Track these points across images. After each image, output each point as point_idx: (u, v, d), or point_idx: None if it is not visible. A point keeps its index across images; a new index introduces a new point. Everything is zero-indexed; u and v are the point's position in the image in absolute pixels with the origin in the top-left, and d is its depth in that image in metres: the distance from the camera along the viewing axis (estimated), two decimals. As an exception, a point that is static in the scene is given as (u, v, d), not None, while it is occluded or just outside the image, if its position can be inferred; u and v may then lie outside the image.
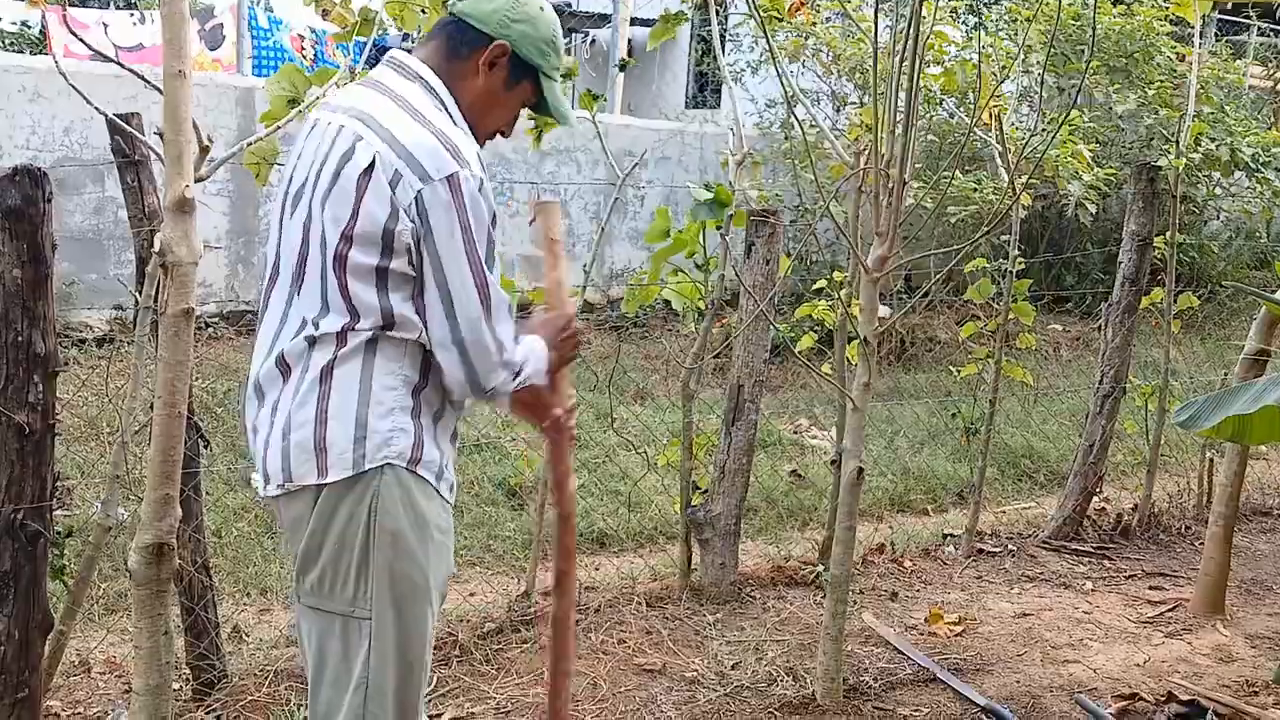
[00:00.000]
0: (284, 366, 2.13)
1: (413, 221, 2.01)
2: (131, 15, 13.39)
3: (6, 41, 14.20)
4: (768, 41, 3.43)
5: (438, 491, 2.16)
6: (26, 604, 2.78)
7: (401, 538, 2.10)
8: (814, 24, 9.18)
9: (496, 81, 2.21)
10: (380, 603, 2.10)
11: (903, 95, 3.15)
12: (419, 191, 2.00)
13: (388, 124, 2.06)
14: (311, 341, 2.09)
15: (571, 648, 2.52)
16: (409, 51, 2.26)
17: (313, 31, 13.21)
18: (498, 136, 2.33)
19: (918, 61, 3.07)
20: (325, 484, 2.08)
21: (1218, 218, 11.91)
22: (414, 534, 2.11)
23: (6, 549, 2.73)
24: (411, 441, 2.09)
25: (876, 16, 3.26)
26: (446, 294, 2.05)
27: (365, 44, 3.54)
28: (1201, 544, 4.77)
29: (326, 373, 2.07)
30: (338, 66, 3.34)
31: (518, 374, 2.15)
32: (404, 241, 2.02)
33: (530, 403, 2.33)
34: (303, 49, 13.36)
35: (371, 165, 2.02)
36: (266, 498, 2.21)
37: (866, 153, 3.65)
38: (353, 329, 2.07)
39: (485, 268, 2.06)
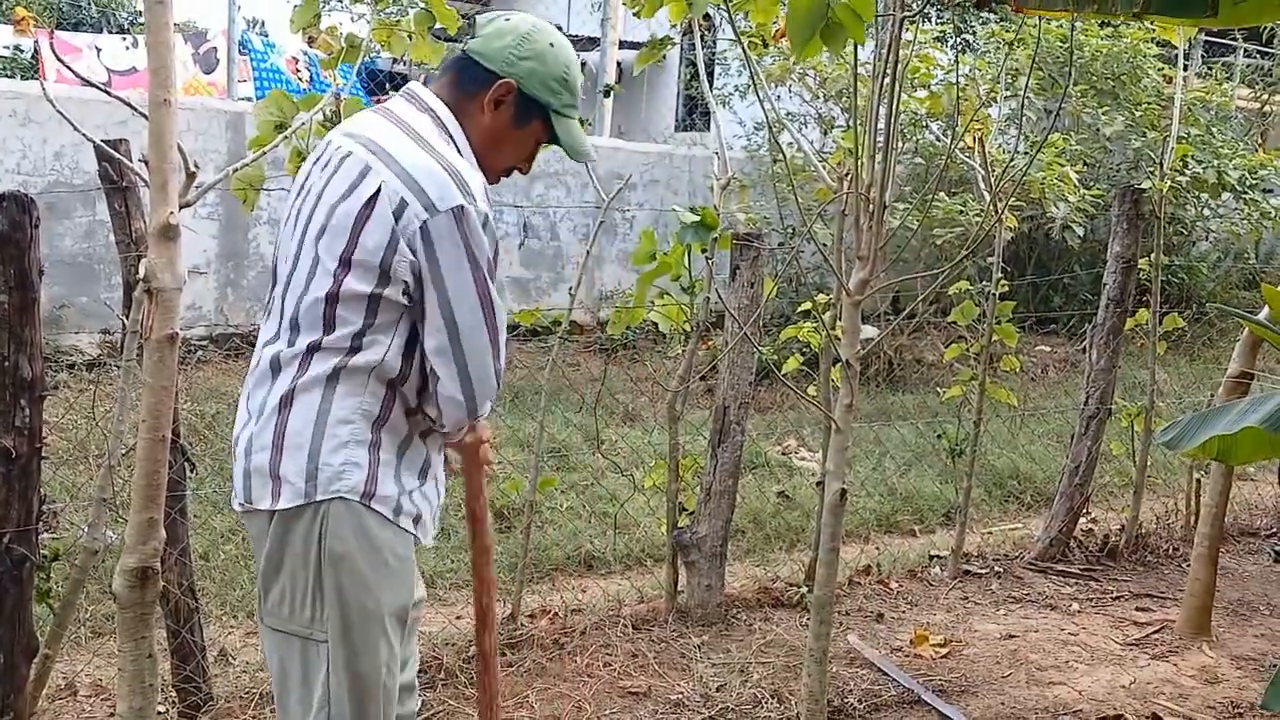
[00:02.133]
0: (254, 387, 2.18)
1: (414, 253, 2.02)
2: (124, 39, 13.45)
3: (-1, 66, 14.24)
4: (751, 69, 3.46)
5: (396, 524, 2.15)
6: (12, 628, 2.80)
7: (351, 562, 2.10)
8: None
9: (504, 119, 2.20)
10: (333, 626, 2.11)
11: (883, 120, 3.18)
12: (425, 222, 2.01)
13: (396, 153, 2.06)
14: (276, 366, 2.13)
15: (495, 685, 2.49)
16: (425, 84, 2.27)
17: (305, 54, 13.26)
18: (514, 173, 2.33)
19: (897, 86, 3.10)
20: (277, 510, 2.10)
21: (1206, 239, 11.98)
22: (365, 559, 2.11)
23: (-9, 573, 2.75)
24: (365, 475, 2.09)
25: (856, 43, 3.30)
26: (454, 327, 2.06)
27: (354, 68, 3.58)
28: (1188, 565, 4.79)
29: (286, 400, 2.10)
30: (328, 88, 3.37)
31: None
32: (400, 273, 2.03)
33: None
34: (298, 71, 13.42)
35: (376, 194, 2.03)
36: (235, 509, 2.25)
37: (849, 177, 3.68)
38: (319, 352, 2.08)
39: (492, 302, 2.08)
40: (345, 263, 2.05)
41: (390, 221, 2.01)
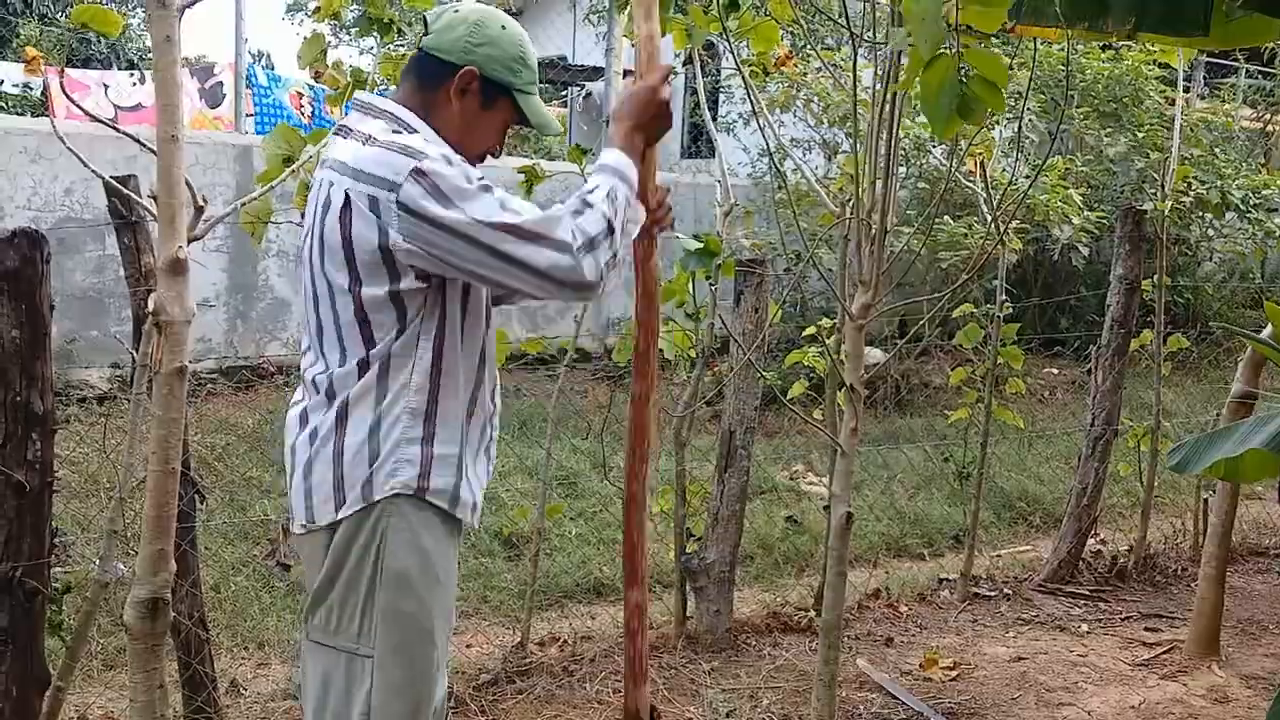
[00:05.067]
0: (310, 410, 2.23)
1: (408, 239, 2.04)
2: (131, 76, 13.56)
3: (9, 104, 14.37)
4: (751, 97, 3.50)
5: (453, 516, 2.21)
6: (24, 661, 2.81)
7: (407, 580, 2.15)
8: (803, 74, 9.30)
9: (471, 107, 2.25)
10: (383, 643, 2.16)
11: (884, 145, 3.21)
12: (398, 202, 2.04)
13: (348, 160, 2.12)
14: (330, 392, 2.19)
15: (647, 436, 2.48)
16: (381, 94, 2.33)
17: (311, 88, 13.36)
18: (488, 158, 2.36)
19: (898, 112, 3.14)
20: (340, 520, 2.16)
21: (1211, 259, 11.98)
22: (420, 576, 2.17)
23: (4, 606, 2.76)
24: (417, 471, 2.15)
25: (855, 69, 3.34)
26: (491, 251, 2.05)
27: (358, 103, 3.62)
28: (1197, 585, 4.78)
29: (342, 417, 2.16)
30: (333, 124, 3.41)
31: (610, 231, 2.12)
32: (404, 260, 2.07)
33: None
34: (301, 106, 13.50)
35: (347, 201, 2.08)
36: (294, 534, 2.30)
37: (851, 202, 3.72)
38: (366, 367, 2.14)
39: (497, 210, 2.06)
40: (353, 271, 2.10)
41: (373, 219, 2.06)
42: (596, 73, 14.02)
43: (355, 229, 2.08)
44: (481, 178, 2.11)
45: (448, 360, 2.18)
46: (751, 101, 3.55)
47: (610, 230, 2.12)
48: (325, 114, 13.12)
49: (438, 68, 2.24)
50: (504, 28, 2.26)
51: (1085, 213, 9.21)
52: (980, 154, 4.72)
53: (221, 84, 13.27)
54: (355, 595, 2.16)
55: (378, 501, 2.14)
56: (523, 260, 2.06)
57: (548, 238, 2.06)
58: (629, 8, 4.00)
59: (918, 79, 2.53)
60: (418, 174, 2.04)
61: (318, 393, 2.21)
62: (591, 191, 2.15)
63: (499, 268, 2.07)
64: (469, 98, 2.24)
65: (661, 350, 4.46)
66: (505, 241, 2.05)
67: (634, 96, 2.30)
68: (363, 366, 2.15)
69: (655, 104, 2.29)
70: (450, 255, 2.06)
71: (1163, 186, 5.90)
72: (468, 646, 4.39)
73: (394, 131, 2.16)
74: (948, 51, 2.46)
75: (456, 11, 2.27)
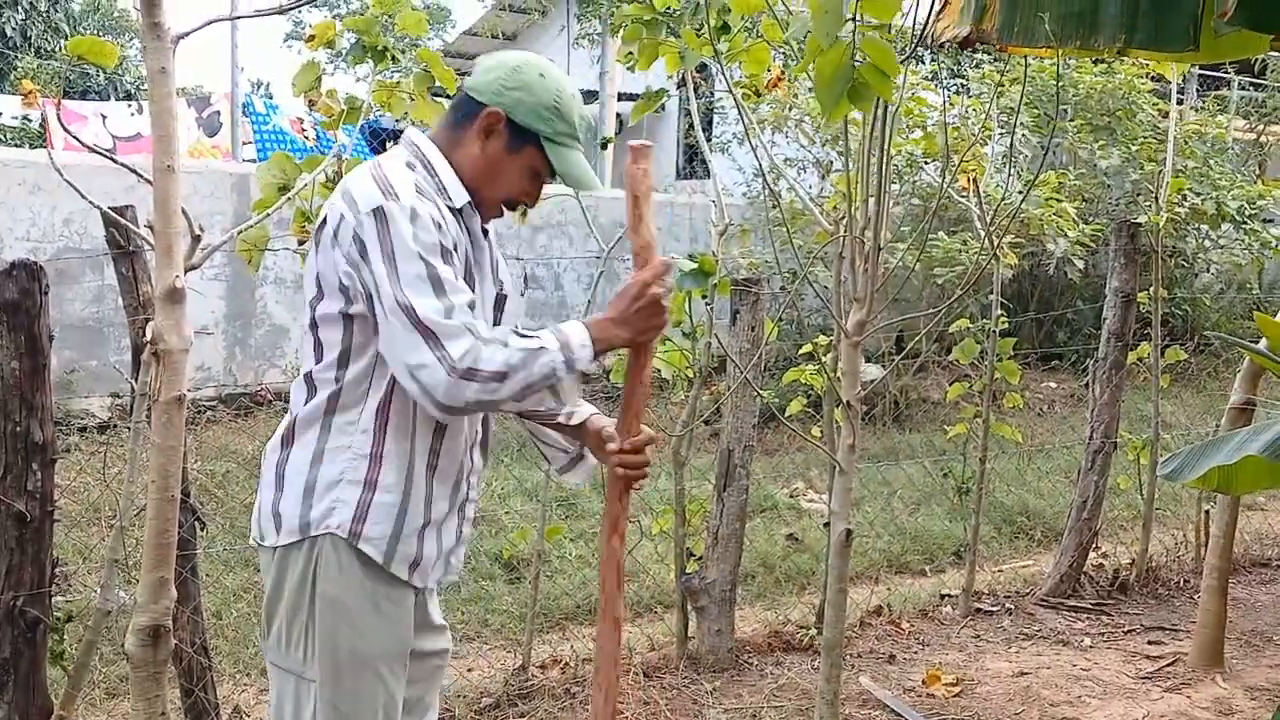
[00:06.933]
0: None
1: (351, 264, 2.07)
2: (129, 106, 13.63)
3: (8, 136, 14.42)
4: (744, 119, 3.52)
5: (388, 571, 2.17)
6: (26, 690, 2.82)
7: (342, 606, 2.14)
8: (795, 95, 9.34)
9: (495, 148, 2.23)
10: (324, 668, 2.15)
11: (876, 163, 3.23)
12: (354, 228, 2.07)
13: (344, 182, 2.17)
14: (290, 400, 2.23)
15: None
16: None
17: (310, 113, 13.39)
18: (521, 207, 2.35)
19: (888, 131, 3.16)
20: (278, 546, 2.17)
21: (1208, 270, 12.01)
22: (357, 603, 2.15)
23: (6, 636, 2.78)
24: (352, 515, 2.12)
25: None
26: (385, 318, 2.04)
27: (358, 127, 3.64)
28: (1200, 597, 4.78)
29: (288, 438, 2.19)
30: (332, 147, 3.43)
31: (499, 379, 2.02)
32: (353, 285, 2.09)
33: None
34: (304, 131, 13.55)
35: (325, 220, 2.13)
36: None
37: (844, 220, 3.74)
38: (312, 384, 2.16)
39: (417, 289, 2.02)
40: (318, 285, 2.14)
41: (333, 237, 2.10)
42: (591, 96, 14.08)
43: (325, 243, 2.12)
44: (435, 248, 2.07)
45: (399, 405, 2.14)
46: (745, 124, 3.57)
47: (500, 379, 2.03)
48: (329, 137, 13.17)
49: (470, 106, 2.25)
50: (542, 75, 2.24)
51: (1080, 226, 9.24)
52: (973, 169, 4.75)
53: (218, 113, 13.35)
54: (299, 619, 2.16)
55: (314, 537, 2.13)
56: (403, 344, 2.03)
57: (437, 341, 2.01)
58: (621, 31, 4.04)
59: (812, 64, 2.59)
60: (379, 213, 2.06)
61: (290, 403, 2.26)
62: (521, 338, 2.08)
63: (387, 335, 2.05)
64: (495, 139, 2.23)
65: (658, 369, 4.49)
66: (400, 318, 2.03)
67: (624, 291, 2.18)
68: (309, 384, 2.17)
69: (644, 299, 2.16)
70: (367, 296, 2.07)
71: (1157, 199, 5.92)
72: (469, 670, 4.39)
73: (406, 164, 2.19)
74: (843, 40, 2.50)
75: (505, 58, 2.29)
